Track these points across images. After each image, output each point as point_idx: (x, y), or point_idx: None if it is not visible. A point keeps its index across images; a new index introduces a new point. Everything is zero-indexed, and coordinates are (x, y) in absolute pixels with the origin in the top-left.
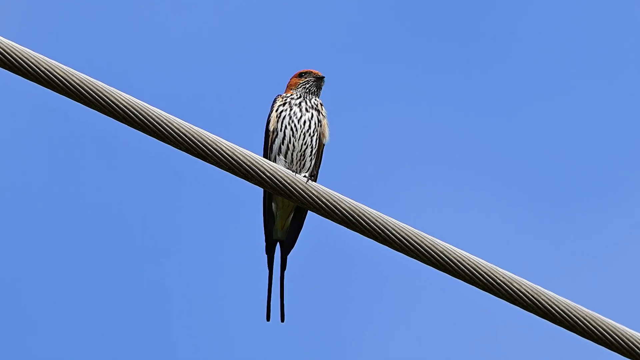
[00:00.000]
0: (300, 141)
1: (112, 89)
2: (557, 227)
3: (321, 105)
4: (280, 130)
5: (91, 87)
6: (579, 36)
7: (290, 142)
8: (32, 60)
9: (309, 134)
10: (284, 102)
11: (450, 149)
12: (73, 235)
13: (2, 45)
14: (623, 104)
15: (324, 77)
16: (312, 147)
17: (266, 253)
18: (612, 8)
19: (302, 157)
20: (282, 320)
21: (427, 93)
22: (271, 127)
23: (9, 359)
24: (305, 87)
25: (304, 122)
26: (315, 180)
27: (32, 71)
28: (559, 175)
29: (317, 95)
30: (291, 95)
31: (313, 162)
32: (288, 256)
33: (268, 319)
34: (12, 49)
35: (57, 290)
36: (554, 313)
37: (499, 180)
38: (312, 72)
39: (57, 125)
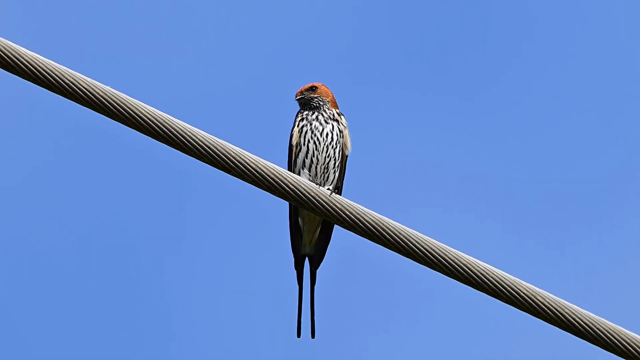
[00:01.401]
0: (324, 154)
1: (136, 101)
2: (574, 241)
3: (339, 114)
4: (304, 144)
5: (115, 99)
6: (575, 59)
7: (313, 156)
8: (55, 72)
9: (332, 146)
10: (302, 117)
11: (467, 168)
12: (97, 249)
13: (24, 56)
14: (618, 122)
15: (296, 98)
16: (335, 160)
17: (295, 268)
18: (606, 33)
19: (325, 170)
20: (313, 336)
21: (432, 116)
22: (294, 142)
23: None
24: (304, 107)
25: (326, 134)
26: (339, 193)
27: (56, 83)
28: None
29: (320, 106)
30: (306, 112)
31: (337, 174)
32: (317, 270)
33: (299, 335)
34: (34, 60)
35: (68, 297)
36: (577, 326)
37: (512, 197)
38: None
39: (86, 140)
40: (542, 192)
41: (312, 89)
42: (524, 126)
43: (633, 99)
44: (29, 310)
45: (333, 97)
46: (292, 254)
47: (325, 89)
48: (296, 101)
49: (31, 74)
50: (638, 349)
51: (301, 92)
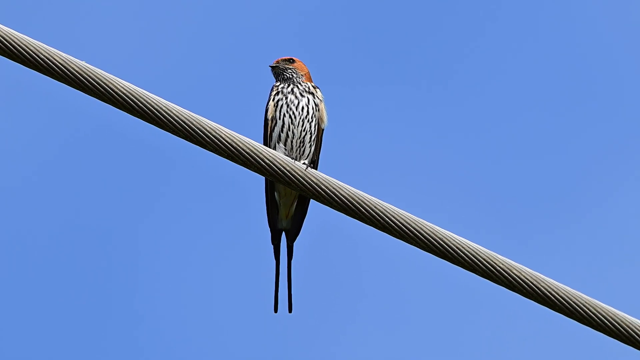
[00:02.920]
0: (299, 127)
1: (111, 76)
2: (553, 215)
3: (315, 87)
4: (279, 118)
5: (89, 73)
6: (544, 53)
7: (289, 130)
8: (29, 46)
9: (308, 120)
10: (277, 91)
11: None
12: (67, 230)
13: (2, 33)
14: (588, 116)
15: (271, 66)
16: (311, 133)
17: (272, 243)
18: (572, 28)
19: (301, 144)
20: (290, 310)
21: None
22: (269, 116)
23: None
24: (279, 79)
25: (302, 108)
26: (316, 167)
27: (30, 57)
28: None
29: (293, 78)
30: (281, 85)
31: (313, 148)
32: (294, 244)
33: (276, 310)
34: (9, 35)
35: (56, 292)
36: (553, 300)
37: (495, 171)
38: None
39: (60, 114)
40: (520, 174)
41: (290, 60)
42: (505, 107)
43: (605, 84)
44: (39, 309)
45: (308, 73)
46: (269, 229)
47: (301, 64)
48: (270, 68)
49: (6, 49)
50: (613, 321)
51: (277, 62)
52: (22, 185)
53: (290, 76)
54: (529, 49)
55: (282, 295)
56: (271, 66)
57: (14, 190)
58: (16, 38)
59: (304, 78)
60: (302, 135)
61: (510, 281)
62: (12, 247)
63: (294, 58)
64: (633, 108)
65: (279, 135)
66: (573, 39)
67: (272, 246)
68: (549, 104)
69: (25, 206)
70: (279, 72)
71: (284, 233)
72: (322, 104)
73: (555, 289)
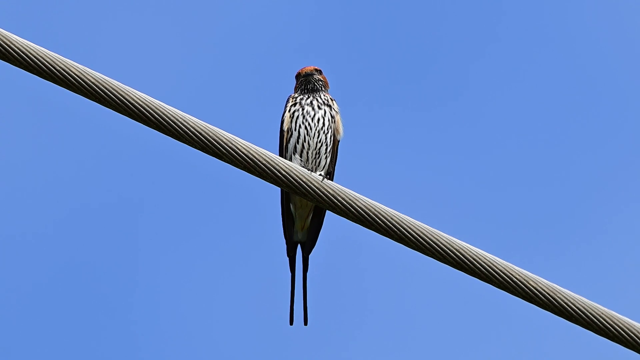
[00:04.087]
0: (315, 139)
1: (127, 87)
2: (567, 225)
3: (332, 100)
4: (295, 129)
5: (106, 85)
6: (551, 67)
7: (305, 141)
8: (46, 59)
9: (324, 131)
10: (294, 102)
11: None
12: (79, 236)
13: (15, 43)
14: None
15: (305, 73)
16: (327, 145)
17: (287, 255)
18: (576, 43)
19: (317, 155)
20: (306, 323)
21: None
22: (285, 127)
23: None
24: (303, 88)
25: (318, 119)
26: (331, 178)
27: (47, 70)
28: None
29: (319, 90)
30: (300, 96)
31: (328, 159)
32: (309, 256)
33: (291, 322)
34: (26, 47)
35: (56, 294)
36: (569, 311)
37: (512, 183)
38: (299, 72)
39: (77, 126)
40: (537, 185)
41: (319, 71)
42: (525, 116)
43: (613, 93)
44: (44, 309)
45: (327, 83)
46: (285, 241)
47: (325, 76)
48: (303, 74)
49: (22, 61)
50: (630, 332)
51: (311, 70)
52: (38, 192)
53: (318, 88)
54: (538, 60)
55: (298, 308)
56: (306, 73)
57: (28, 198)
58: (32, 49)
59: (325, 91)
60: (318, 147)
61: (527, 292)
62: (12, 248)
63: (320, 69)
64: None
65: (295, 147)
66: (578, 52)
67: (288, 258)
68: (562, 111)
69: (40, 212)
70: (310, 81)
71: (299, 245)
72: (338, 115)
73: (572, 300)
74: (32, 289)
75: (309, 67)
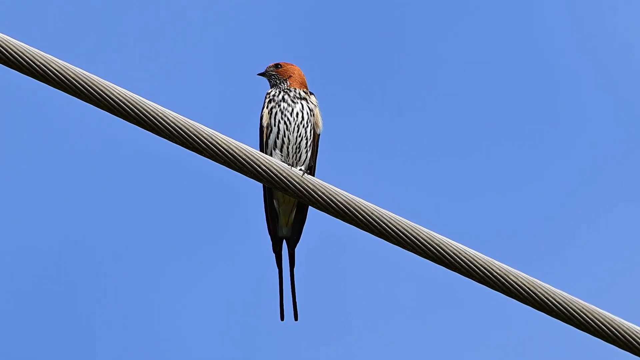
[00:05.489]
0: (295, 133)
1: (107, 82)
2: (546, 218)
3: (308, 93)
4: (274, 125)
5: (86, 80)
6: (541, 63)
7: (285, 136)
8: (25, 53)
9: (303, 125)
10: (269, 98)
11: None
12: (69, 234)
13: None
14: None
15: (259, 73)
16: (307, 139)
17: (273, 251)
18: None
19: (297, 150)
20: (296, 318)
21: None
22: (264, 123)
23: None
24: (270, 84)
25: (297, 113)
26: (312, 173)
27: (26, 64)
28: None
29: (279, 82)
30: (273, 92)
31: (309, 154)
32: (295, 250)
33: (282, 318)
34: (5, 42)
35: (54, 299)
36: (550, 305)
37: (494, 177)
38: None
39: (50, 119)
40: (519, 180)
41: (276, 66)
42: (513, 108)
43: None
44: (48, 310)
45: (300, 77)
46: (270, 237)
47: (289, 69)
48: (260, 76)
49: (2, 55)
50: (611, 327)
51: (266, 69)
52: (22, 190)
53: (275, 82)
54: (534, 55)
55: (287, 304)
56: (258, 74)
57: (15, 198)
58: (12, 45)
59: (288, 83)
60: (298, 141)
61: (507, 287)
62: (15, 249)
63: (280, 63)
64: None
65: (275, 142)
66: (556, 58)
67: (274, 254)
68: (548, 110)
69: (28, 213)
70: (267, 79)
71: (284, 240)
72: (317, 109)
73: (552, 294)
74: (32, 291)
75: (270, 65)
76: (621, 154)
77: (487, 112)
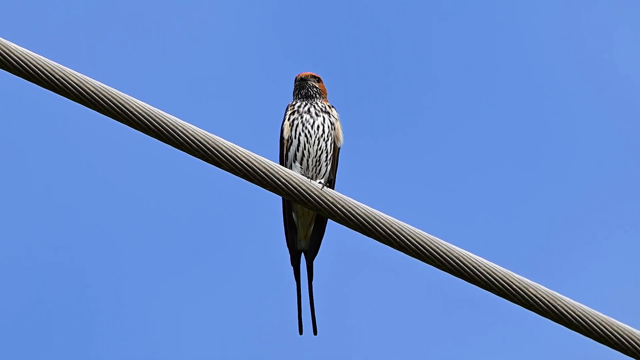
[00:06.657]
0: (315, 147)
1: (127, 96)
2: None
3: (330, 107)
4: (295, 137)
5: (107, 94)
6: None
7: (305, 149)
8: (47, 68)
9: (323, 139)
10: (293, 110)
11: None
12: (85, 243)
13: (16, 52)
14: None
15: (301, 78)
16: (327, 152)
17: (291, 264)
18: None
19: (317, 163)
20: (315, 332)
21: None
22: (285, 135)
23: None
24: (297, 93)
25: (318, 127)
26: (332, 186)
27: (47, 79)
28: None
29: (314, 96)
30: (297, 104)
31: (329, 167)
32: (313, 263)
33: (301, 332)
34: (26, 57)
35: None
36: (569, 318)
37: (513, 190)
38: (297, 76)
39: (77, 134)
40: (539, 192)
41: (318, 79)
42: (524, 112)
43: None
44: (47, 311)
45: (325, 91)
46: (288, 250)
47: (324, 85)
48: (298, 82)
49: (22, 69)
50: (630, 340)
51: (307, 76)
52: (41, 198)
53: (313, 94)
54: (541, 54)
55: (306, 317)
56: (302, 78)
57: (33, 204)
58: (30, 57)
59: (322, 99)
60: (318, 155)
61: (527, 300)
62: (16, 250)
63: (320, 77)
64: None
65: (295, 155)
66: (552, 69)
67: (292, 267)
68: (555, 114)
69: (44, 221)
70: (304, 86)
71: (302, 253)
72: (338, 122)
73: (572, 308)
74: (32, 291)
75: (307, 73)
76: None
77: (507, 127)
